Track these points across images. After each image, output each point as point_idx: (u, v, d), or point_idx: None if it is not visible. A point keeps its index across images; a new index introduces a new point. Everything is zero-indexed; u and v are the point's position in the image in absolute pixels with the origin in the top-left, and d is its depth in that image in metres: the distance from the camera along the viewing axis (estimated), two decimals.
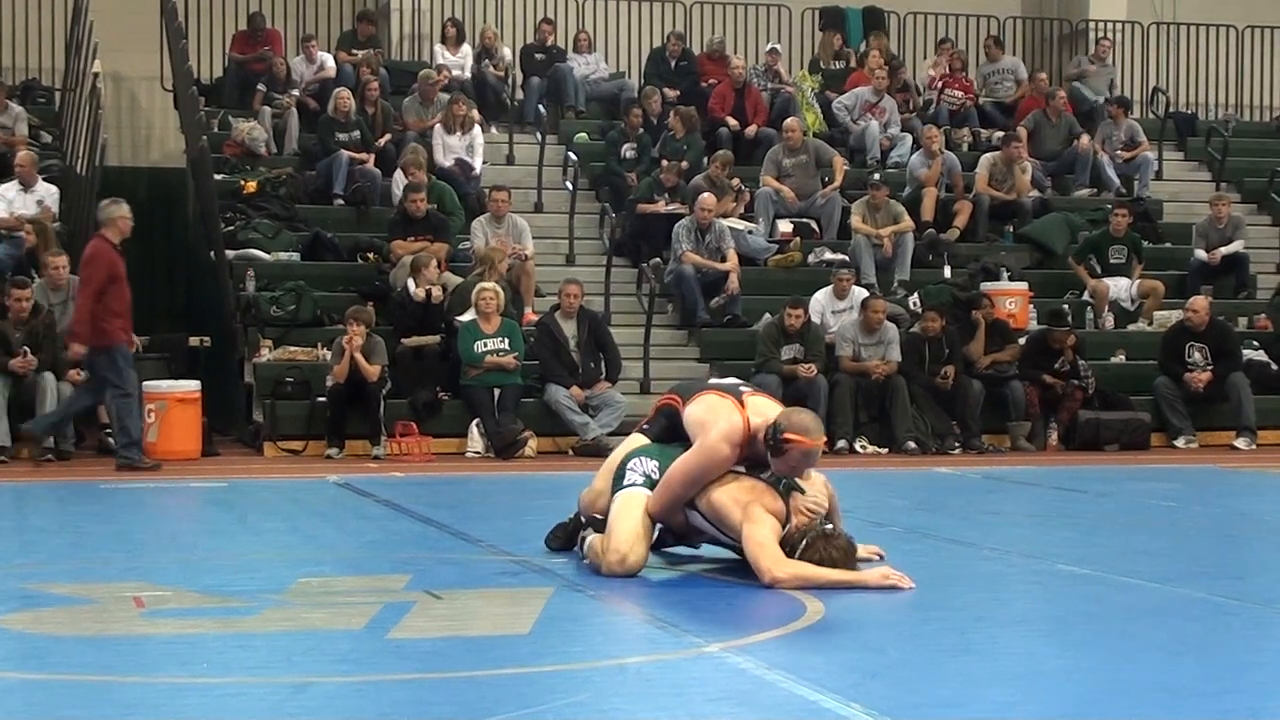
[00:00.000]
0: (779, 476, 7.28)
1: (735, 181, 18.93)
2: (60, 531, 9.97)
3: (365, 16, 21.42)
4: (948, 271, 18.63)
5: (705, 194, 17.82)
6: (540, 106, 20.77)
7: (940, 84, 22.04)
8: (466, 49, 21.03)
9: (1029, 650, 6.04)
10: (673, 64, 21.34)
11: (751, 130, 20.38)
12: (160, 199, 20.62)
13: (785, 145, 19.25)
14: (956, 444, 16.19)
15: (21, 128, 18.71)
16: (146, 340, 17.12)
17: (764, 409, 7.42)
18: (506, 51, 21.43)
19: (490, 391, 15.53)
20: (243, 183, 18.17)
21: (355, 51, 20.65)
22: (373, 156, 18.83)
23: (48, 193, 17.12)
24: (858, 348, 16.38)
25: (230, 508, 11.33)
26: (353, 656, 5.78)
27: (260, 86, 19.86)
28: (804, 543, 7.11)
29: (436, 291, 16.00)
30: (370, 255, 17.52)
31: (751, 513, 7.18)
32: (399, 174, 18.21)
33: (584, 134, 20.53)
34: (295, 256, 17.59)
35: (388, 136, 19.09)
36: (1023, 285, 18.41)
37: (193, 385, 15.47)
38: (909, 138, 20.73)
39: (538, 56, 21.35)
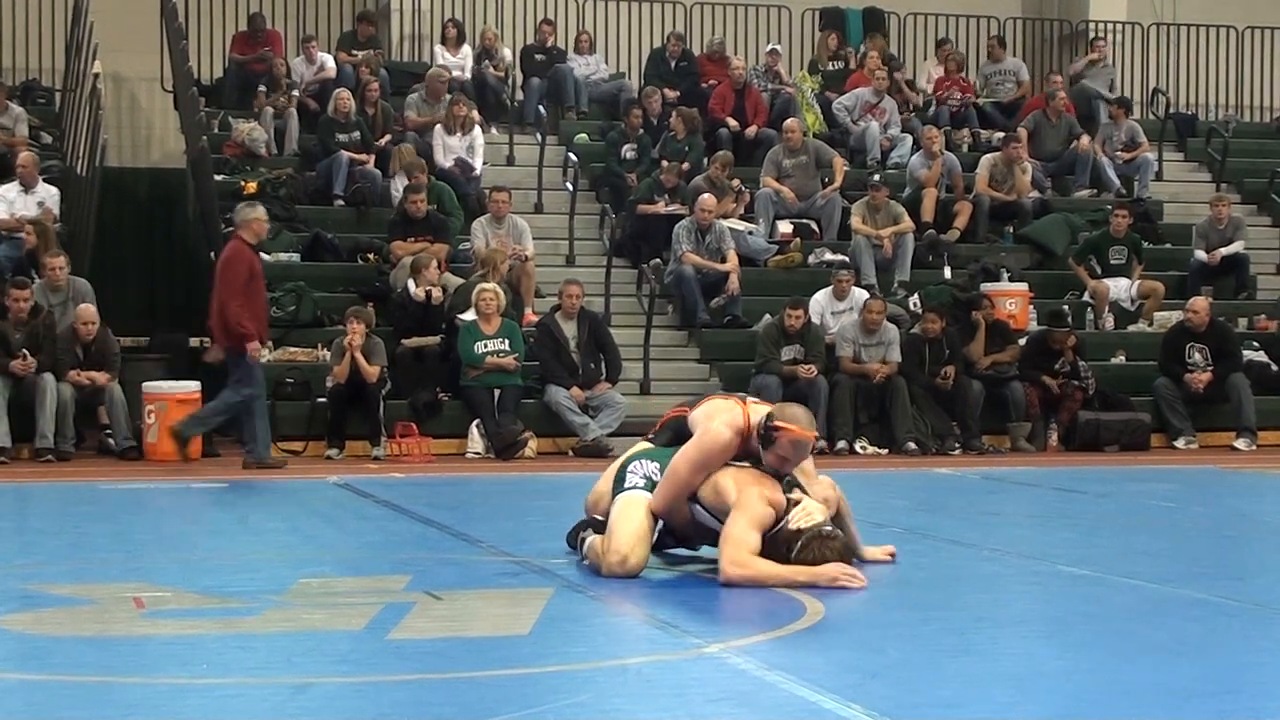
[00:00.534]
0: (777, 472, 7.28)
1: (736, 183, 18.93)
2: (60, 532, 9.96)
3: (365, 17, 21.43)
4: (948, 272, 18.64)
5: (705, 195, 17.82)
6: (540, 107, 20.78)
7: (939, 86, 22.03)
8: (466, 50, 21.04)
9: (1029, 651, 6.04)
10: (673, 65, 21.35)
11: (751, 131, 20.39)
12: (160, 200, 20.64)
13: (785, 146, 19.25)
14: (956, 445, 16.20)
15: (22, 128, 18.72)
16: (147, 341, 17.17)
17: (764, 410, 7.46)
18: (507, 52, 21.43)
19: (490, 392, 15.53)
20: (243, 183, 18.17)
21: (355, 52, 20.66)
22: (373, 157, 18.83)
23: (48, 194, 17.12)
24: (858, 348, 16.39)
25: (230, 508, 11.34)
26: (353, 657, 5.78)
27: (262, 87, 19.86)
28: (800, 543, 7.11)
29: (436, 292, 16.01)
30: (370, 256, 17.54)
31: (743, 498, 7.14)
32: (399, 175, 18.23)
33: (584, 135, 20.54)
34: (295, 257, 17.59)
35: (388, 137, 19.09)
36: (1023, 286, 18.42)
37: (193, 386, 15.47)
38: (909, 138, 20.73)
39: (538, 57, 21.35)
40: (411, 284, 16.05)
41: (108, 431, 15.14)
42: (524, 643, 5.98)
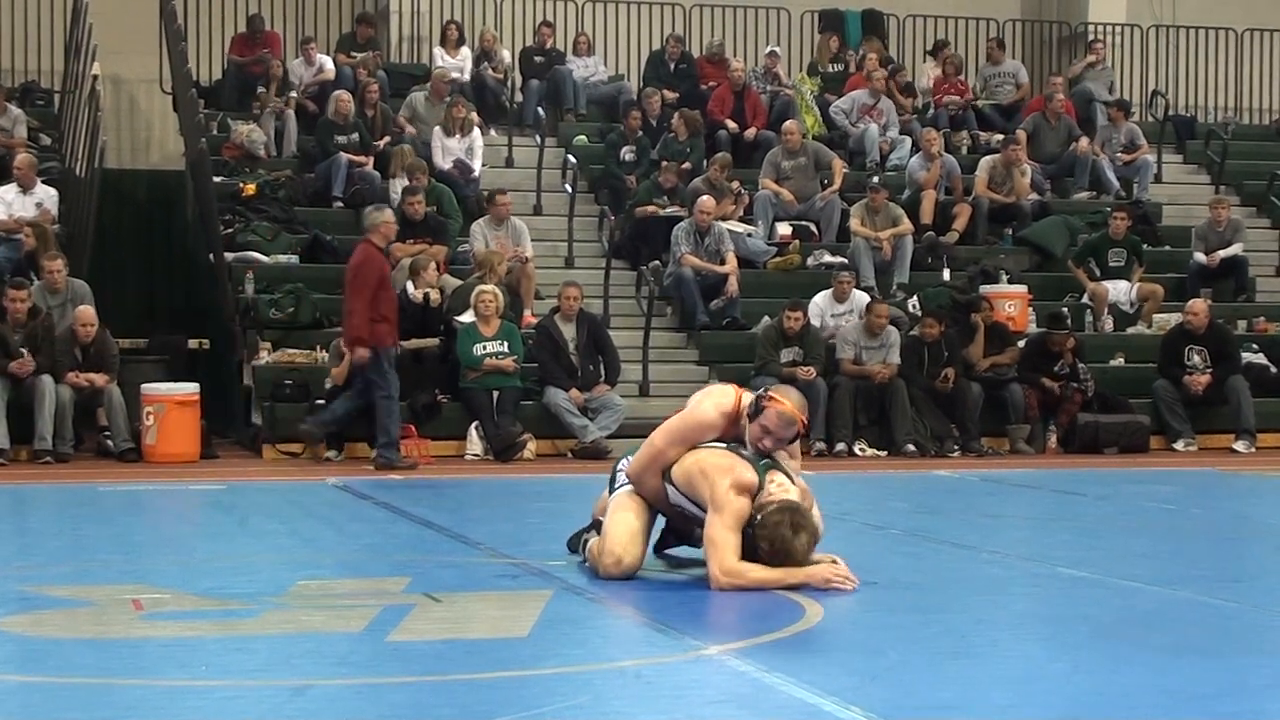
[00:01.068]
0: (757, 452, 7.22)
1: (735, 185, 18.93)
2: (59, 534, 9.96)
3: (364, 19, 21.42)
4: (947, 274, 18.64)
5: (704, 197, 17.82)
6: (539, 109, 20.77)
7: (936, 89, 22.04)
8: (465, 51, 21.04)
9: (1028, 653, 6.04)
10: (672, 66, 21.35)
11: (751, 133, 20.39)
12: (159, 201, 20.64)
13: (784, 148, 19.25)
14: (956, 447, 16.20)
15: (20, 130, 18.71)
16: (145, 343, 17.16)
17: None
18: (506, 54, 21.43)
19: (489, 394, 15.53)
20: (242, 185, 18.17)
21: (354, 54, 20.66)
22: (372, 159, 18.83)
23: (47, 195, 17.12)
24: (859, 350, 16.39)
25: (229, 510, 11.33)
26: (352, 659, 5.78)
27: (261, 89, 19.87)
28: (761, 516, 7.05)
29: (435, 294, 16.01)
30: None
31: (718, 495, 7.09)
32: (399, 176, 18.23)
33: (583, 136, 20.54)
34: (294, 259, 17.59)
35: (387, 139, 19.09)
36: (1022, 288, 18.41)
37: (192, 388, 15.46)
38: (908, 140, 20.73)
39: (537, 59, 21.35)
40: (410, 286, 16.04)
41: (106, 433, 15.13)
42: (523, 645, 5.97)
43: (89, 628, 6.41)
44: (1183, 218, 20.88)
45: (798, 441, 7.52)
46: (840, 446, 15.87)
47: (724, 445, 7.30)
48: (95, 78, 18.40)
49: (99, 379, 15.08)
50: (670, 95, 20.75)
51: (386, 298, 14.50)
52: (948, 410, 16.41)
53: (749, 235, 18.50)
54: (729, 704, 5.12)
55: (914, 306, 17.71)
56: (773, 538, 7.00)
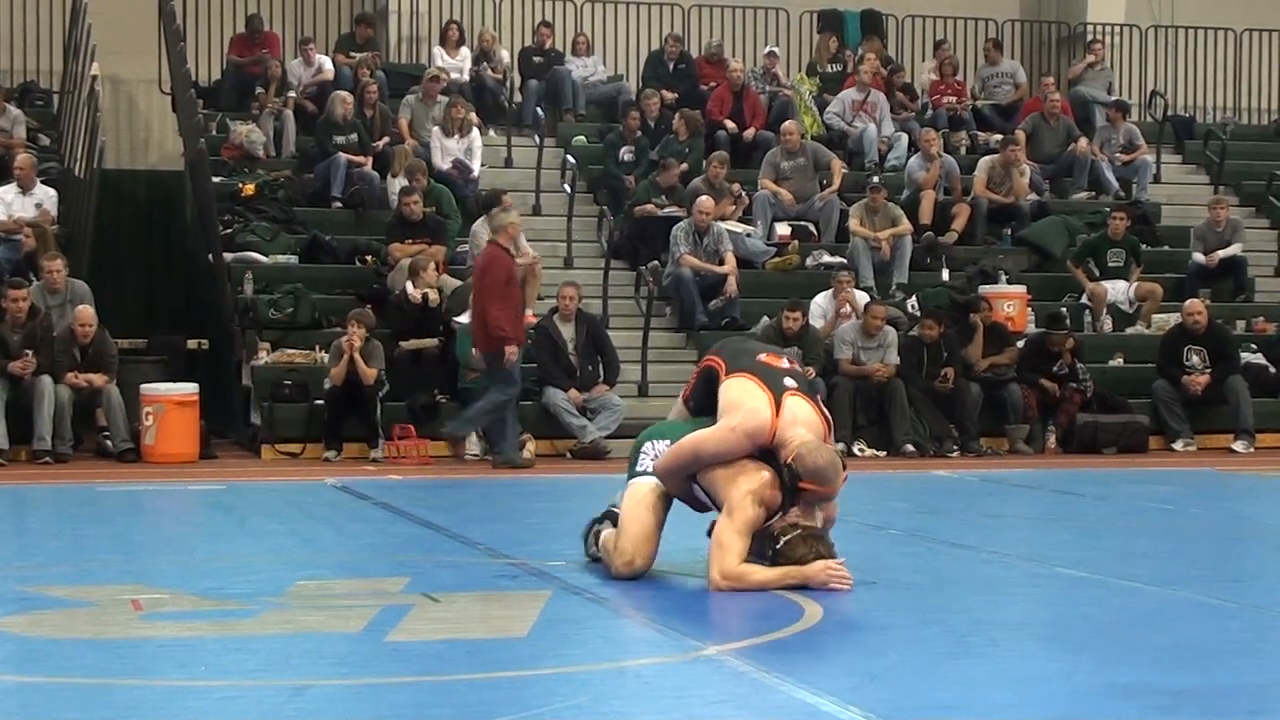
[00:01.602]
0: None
1: (735, 187, 18.93)
2: (58, 534, 9.96)
3: (363, 19, 21.42)
4: (946, 274, 18.64)
5: (703, 197, 17.82)
6: (538, 109, 20.77)
7: (934, 90, 22.05)
8: (465, 51, 21.04)
9: (1028, 653, 6.04)
10: (671, 67, 21.34)
11: (749, 133, 20.39)
12: (158, 202, 20.63)
13: (783, 148, 19.25)
14: (955, 447, 16.20)
15: (19, 130, 18.71)
16: (145, 343, 17.16)
17: (798, 416, 7.19)
18: (504, 54, 21.43)
19: None
20: (241, 185, 18.17)
21: (353, 54, 20.65)
22: (371, 159, 18.82)
23: (46, 195, 17.11)
24: (857, 351, 16.39)
25: (228, 510, 11.32)
26: (351, 659, 5.78)
27: (260, 89, 19.86)
28: (786, 539, 7.07)
29: (433, 295, 16.01)
30: (368, 258, 17.52)
31: (736, 499, 7.09)
32: (395, 177, 18.22)
33: (582, 137, 20.53)
34: (293, 259, 17.59)
35: (386, 139, 19.09)
36: (1021, 288, 18.41)
37: (191, 388, 15.45)
38: (904, 137, 20.74)
39: (536, 59, 21.35)
40: (409, 286, 16.04)
41: (105, 434, 15.13)
42: (522, 645, 5.97)
43: (88, 628, 6.41)
44: (1181, 218, 20.88)
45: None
46: (839, 446, 15.85)
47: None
48: (94, 78, 18.39)
49: (98, 379, 15.08)
50: (669, 95, 20.75)
51: (513, 299, 14.78)
52: (947, 410, 16.41)
53: (748, 235, 18.50)
54: (728, 704, 5.12)
55: (913, 306, 17.72)
56: (800, 560, 7.04)
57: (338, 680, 5.42)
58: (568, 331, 16.04)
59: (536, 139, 20.23)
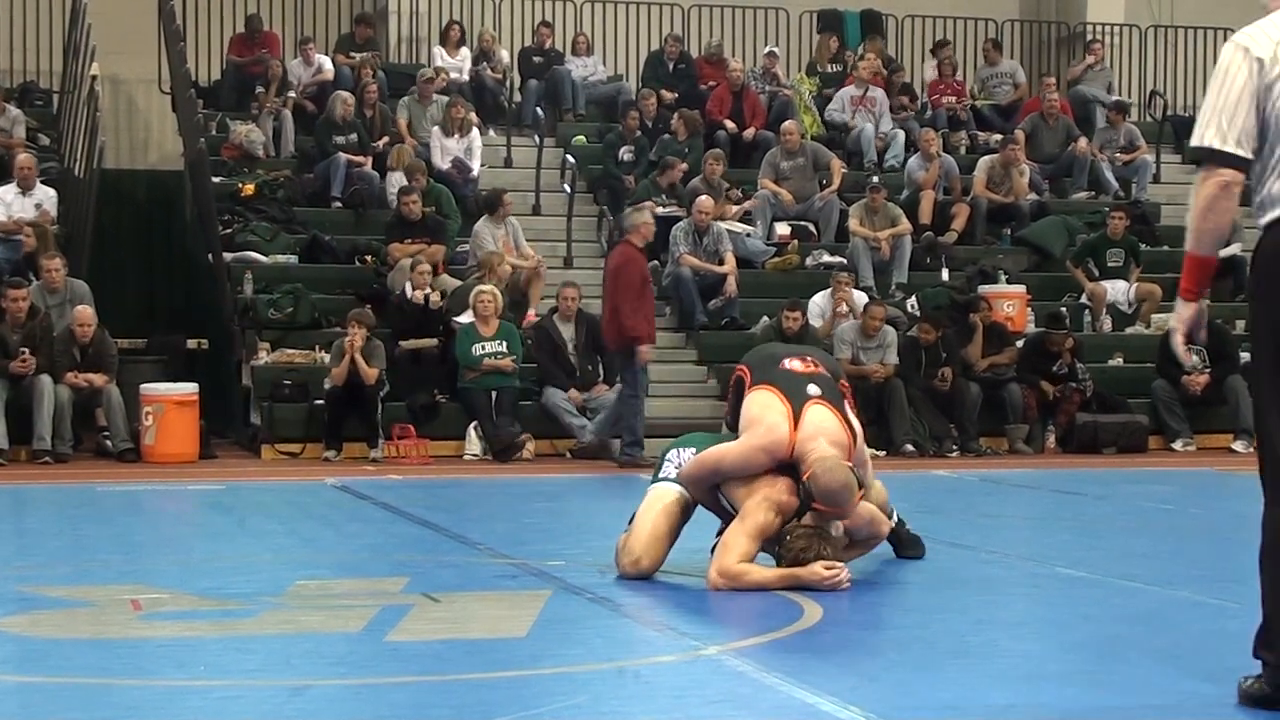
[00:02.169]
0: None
1: (735, 193, 18.93)
2: (58, 534, 9.96)
3: (363, 19, 21.42)
4: (945, 274, 18.64)
5: (703, 197, 17.82)
6: (538, 109, 20.77)
7: (933, 90, 22.05)
8: (465, 52, 21.04)
9: (1027, 653, 6.04)
10: (671, 67, 21.34)
11: (749, 133, 20.39)
12: (158, 202, 20.62)
13: (783, 148, 19.25)
14: (954, 447, 16.19)
15: (19, 130, 18.69)
16: (144, 343, 17.16)
17: (819, 427, 7.21)
18: (504, 54, 21.43)
19: (488, 394, 15.52)
20: (241, 185, 18.17)
21: (353, 54, 20.65)
22: (370, 159, 18.82)
23: (46, 196, 17.10)
24: (857, 351, 16.39)
25: (228, 510, 11.33)
26: (350, 659, 5.78)
27: (260, 89, 19.86)
28: (790, 534, 7.08)
29: (434, 296, 16.01)
30: (368, 258, 17.52)
31: (750, 505, 7.13)
32: (394, 175, 18.20)
33: (582, 137, 20.53)
34: (293, 259, 17.58)
35: (385, 139, 19.09)
36: (1020, 288, 18.41)
37: (190, 388, 15.45)
38: (901, 135, 20.75)
39: (536, 59, 21.35)
40: (409, 286, 16.05)
41: (105, 433, 15.12)
42: (521, 645, 5.98)
43: (88, 628, 6.41)
44: (1181, 218, 20.73)
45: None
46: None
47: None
48: (94, 78, 18.39)
49: (98, 379, 15.07)
50: (669, 95, 20.75)
51: (647, 299, 14.89)
52: (946, 410, 16.41)
53: (747, 235, 18.49)
54: (727, 704, 5.13)
55: (913, 306, 17.72)
56: (795, 563, 7.04)
57: (337, 680, 5.43)
58: (567, 331, 16.04)
59: (536, 139, 20.23)
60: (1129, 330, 18.58)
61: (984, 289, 18.01)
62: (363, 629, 6.24)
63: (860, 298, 17.14)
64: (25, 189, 16.91)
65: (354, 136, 18.79)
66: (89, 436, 15.38)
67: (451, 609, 6.82)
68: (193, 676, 5.46)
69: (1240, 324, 18.65)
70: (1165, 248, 20.26)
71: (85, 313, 15.25)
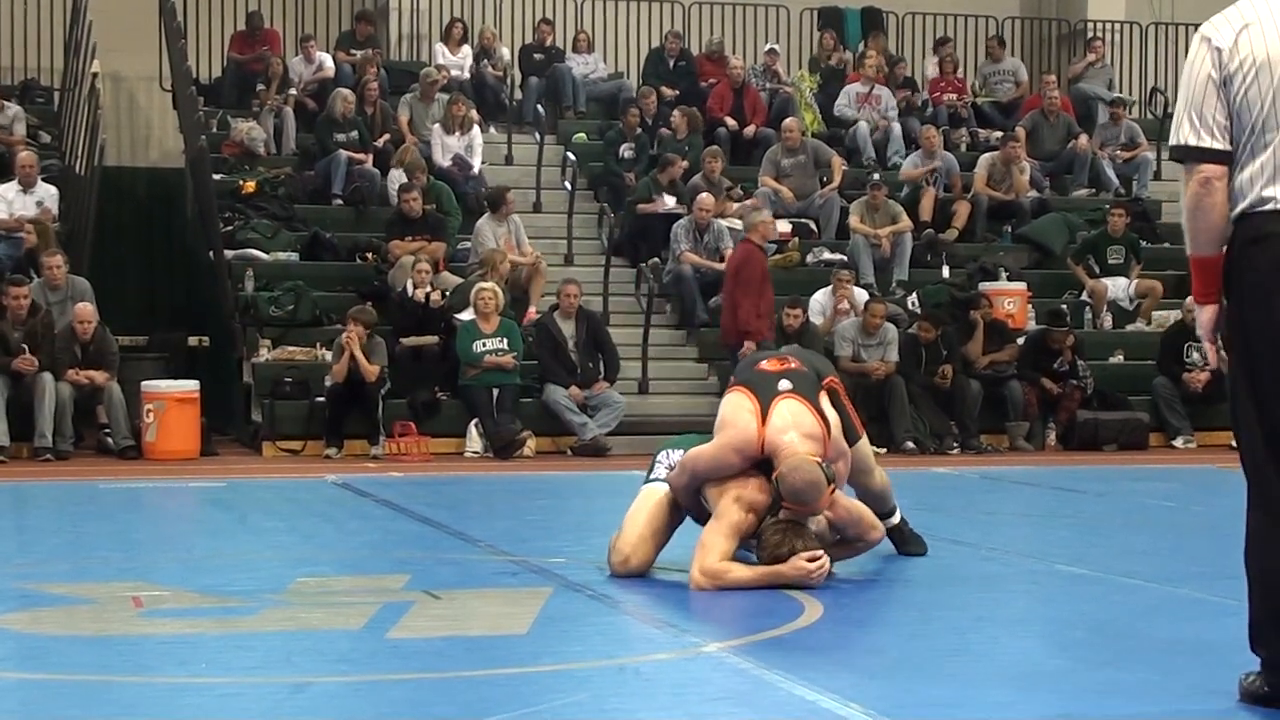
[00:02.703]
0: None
1: (735, 190, 18.93)
2: (59, 531, 9.97)
3: (364, 16, 21.41)
4: (946, 271, 18.64)
5: (703, 194, 17.83)
6: (539, 106, 20.76)
7: (934, 88, 22.04)
8: (466, 49, 21.03)
9: (1027, 650, 6.04)
10: (671, 64, 21.34)
11: (750, 130, 20.39)
12: (159, 199, 20.64)
13: (784, 145, 19.25)
14: (955, 444, 16.20)
15: (20, 128, 18.70)
16: (145, 340, 17.17)
17: (789, 420, 7.15)
18: (505, 51, 21.42)
19: (489, 391, 15.53)
20: (241, 183, 18.17)
21: (354, 51, 20.65)
22: (371, 156, 18.82)
23: (47, 193, 17.10)
24: (857, 348, 16.39)
25: (229, 507, 11.34)
26: (351, 656, 5.79)
27: (260, 86, 19.87)
28: (764, 528, 7.09)
29: (435, 294, 16.02)
30: (369, 255, 17.52)
31: (723, 505, 7.14)
32: (395, 173, 18.21)
33: (582, 134, 20.53)
34: (294, 256, 17.59)
35: (386, 136, 19.09)
36: (1021, 285, 18.42)
37: (191, 385, 15.47)
38: (897, 127, 20.75)
39: (536, 56, 21.34)
40: (410, 283, 16.05)
41: (106, 431, 15.14)
42: (522, 642, 5.98)
43: (88, 625, 6.41)
44: (1181, 215, 20.84)
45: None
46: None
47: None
48: (95, 75, 18.40)
49: (99, 376, 15.08)
50: (670, 93, 20.75)
51: (766, 294, 15.32)
52: (947, 407, 16.42)
53: None
54: (728, 701, 5.13)
55: (913, 304, 17.72)
56: (772, 558, 7.03)
57: (338, 677, 5.43)
58: (568, 329, 16.05)
59: (537, 136, 20.22)
60: (1130, 327, 18.58)
61: (985, 286, 18.02)
62: (363, 626, 6.24)
63: (861, 295, 17.14)
64: (26, 186, 16.91)
65: (355, 134, 18.79)
66: (90, 434, 15.40)
67: (452, 606, 6.82)
68: (193, 674, 5.46)
69: None
70: (1166, 245, 20.25)
71: (86, 310, 15.26)
